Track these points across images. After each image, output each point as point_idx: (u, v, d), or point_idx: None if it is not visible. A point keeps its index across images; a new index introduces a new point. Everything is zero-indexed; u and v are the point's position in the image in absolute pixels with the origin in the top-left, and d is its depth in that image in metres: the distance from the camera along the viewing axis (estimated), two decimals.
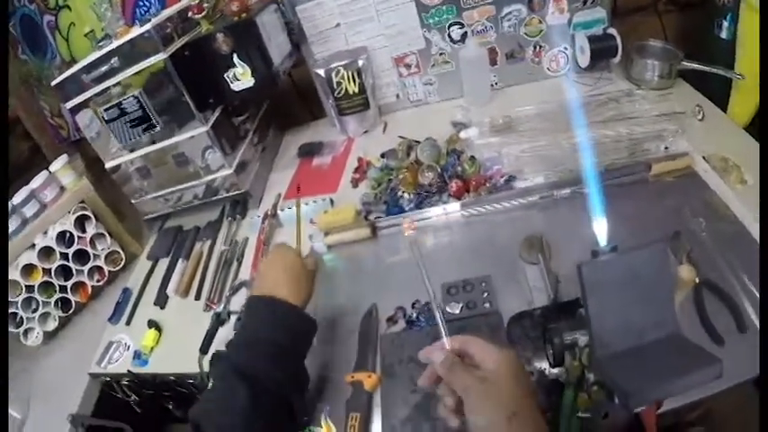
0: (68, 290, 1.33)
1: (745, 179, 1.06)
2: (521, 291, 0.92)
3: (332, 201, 1.26)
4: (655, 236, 0.96)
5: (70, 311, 1.35)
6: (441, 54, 1.51)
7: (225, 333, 1.05)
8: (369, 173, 1.29)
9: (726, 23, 1.31)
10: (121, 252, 1.42)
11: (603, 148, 1.17)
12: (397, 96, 1.62)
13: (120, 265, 1.42)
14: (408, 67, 1.55)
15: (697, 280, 0.85)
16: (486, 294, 0.93)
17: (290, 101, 1.73)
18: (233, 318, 1.06)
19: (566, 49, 1.50)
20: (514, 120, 1.31)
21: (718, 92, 1.34)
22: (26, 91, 1.98)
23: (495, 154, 1.21)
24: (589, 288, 0.57)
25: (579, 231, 1.00)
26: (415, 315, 0.95)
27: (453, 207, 1.12)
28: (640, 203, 1.06)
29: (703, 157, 1.11)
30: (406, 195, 1.17)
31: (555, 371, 0.75)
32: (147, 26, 1.14)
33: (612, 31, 1.43)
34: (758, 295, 0.81)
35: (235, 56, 1.22)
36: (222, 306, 1.08)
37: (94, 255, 1.37)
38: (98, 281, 1.39)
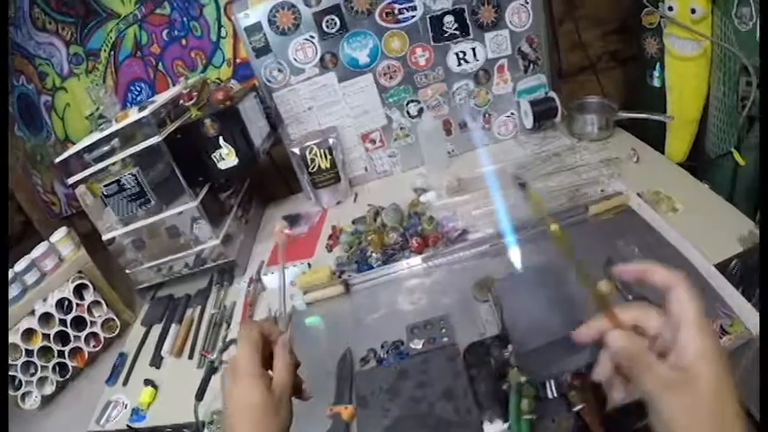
0: (66, 355, 1.52)
1: (675, 207, 1.31)
2: (475, 325, 1.15)
3: (309, 264, 1.52)
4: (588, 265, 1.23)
5: (67, 376, 1.53)
6: (401, 129, 1.83)
7: (218, 381, 1.27)
8: (341, 238, 1.56)
9: (656, 73, 1.64)
10: (116, 319, 1.65)
11: (548, 197, 1.45)
12: (366, 169, 1.93)
13: (116, 332, 1.64)
14: (373, 142, 1.87)
15: (630, 297, 1.05)
16: (444, 330, 1.16)
17: (270, 177, 2.02)
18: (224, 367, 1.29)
19: (512, 114, 1.83)
20: (467, 182, 1.60)
21: (656, 134, 1.64)
22: (21, 167, 2.23)
23: (450, 213, 1.49)
24: (503, 299, 0.83)
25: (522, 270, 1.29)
26: (383, 354, 1.18)
27: (415, 261, 1.38)
28: (579, 241, 1.28)
29: (638, 194, 1.36)
30: (374, 255, 1.42)
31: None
32: (146, 112, 1.41)
33: (552, 94, 1.75)
34: None
35: (221, 138, 1.50)
36: (215, 355, 1.32)
37: (91, 321, 1.58)
38: (94, 347, 1.59)
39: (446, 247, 1.40)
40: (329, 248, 1.61)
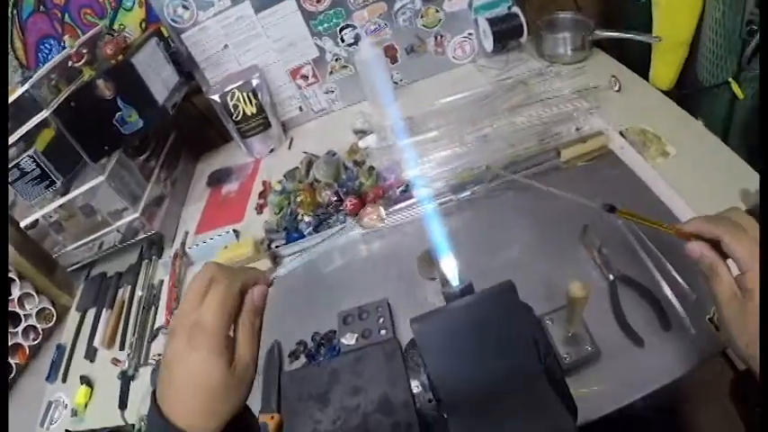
0: (7, 353, 1.32)
1: (666, 150, 1.02)
2: (420, 310, 0.90)
3: (236, 232, 1.23)
4: (560, 232, 0.94)
5: (12, 374, 1.34)
6: (337, 60, 1.48)
7: (141, 383, 1.07)
8: (269, 198, 1.25)
9: None
10: (51, 308, 1.41)
11: (512, 138, 1.13)
12: (301, 109, 1.59)
13: (53, 321, 1.42)
14: (305, 78, 1.51)
15: (611, 277, 0.83)
16: (381, 320, 0.91)
17: (200, 127, 1.70)
18: (147, 369, 1.08)
19: (470, 34, 1.46)
20: (416, 120, 1.26)
21: (640, 57, 1.31)
22: None
23: (394, 162, 1.17)
24: (427, 345, 0.54)
25: (479, 235, 1.00)
26: (314, 348, 0.94)
27: (352, 226, 1.08)
28: (550, 196, 1.03)
29: (620, 133, 1.08)
30: (305, 218, 1.13)
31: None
32: (27, 85, 1.11)
33: (516, 9, 1.39)
34: (685, 286, 0.78)
35: (119, 99, 1.20)
36: (128, 362, 1.09)
37: (25, 315, 1.36)
38: (34, 340, 1.38)
39: (387, 207, 1.09)
40: (259, 210, 1.31)
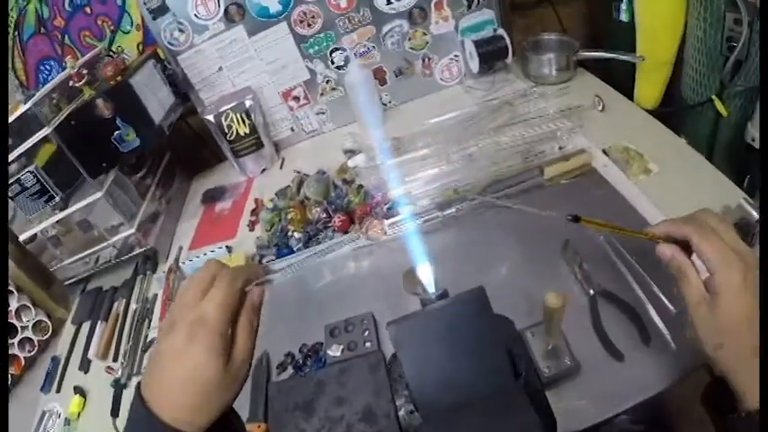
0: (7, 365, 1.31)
1: (648, 168, 1.02)
2: None
3: (228, 248, 1.24)
4: (542, 248, 0.94)
5: (7, 385, 1.33)
6: (327, 82, 1.49)
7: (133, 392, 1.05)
8: (261, 215, 1.26)
9: (623, 6, 1.29)
10: (47, 321, 1.41)
11: (497, 156, 1.14)
12: (292, 129, 1.60)
13: (48, 334, 1.42)
14: (297, 99, 1.53)
15: (591, 292, 0.83)
16: (366, 333, 0.92)
17: (194, 147, 1.71)
18: (140, 378, 1.07)
19: (456, 56, 1.48)
20: (404, 140, 1.28)
21: (625, 76, 1.32)
22: None
23: (381, 181, 1.18)
24: (402, 347, 0.55)
25: (462, 251, 1.01)
26: (301, 360, 0.94)
27: (340, 242, 1.10)
28: (532, 214, 1.03)
29: (603, 151, 1.08)
30: (295, 235, 1.14)
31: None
32: (29, 103, 1.13)
33: (501, 31, 1.40)
34: (666, 301, 0.78)
35: (117, 119, 1.21)
36: (121, 371, 1.09)
37: (22, 327, 1.36)
38: (29, 351, 1.37)
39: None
40: (251, 227, 1.32)
